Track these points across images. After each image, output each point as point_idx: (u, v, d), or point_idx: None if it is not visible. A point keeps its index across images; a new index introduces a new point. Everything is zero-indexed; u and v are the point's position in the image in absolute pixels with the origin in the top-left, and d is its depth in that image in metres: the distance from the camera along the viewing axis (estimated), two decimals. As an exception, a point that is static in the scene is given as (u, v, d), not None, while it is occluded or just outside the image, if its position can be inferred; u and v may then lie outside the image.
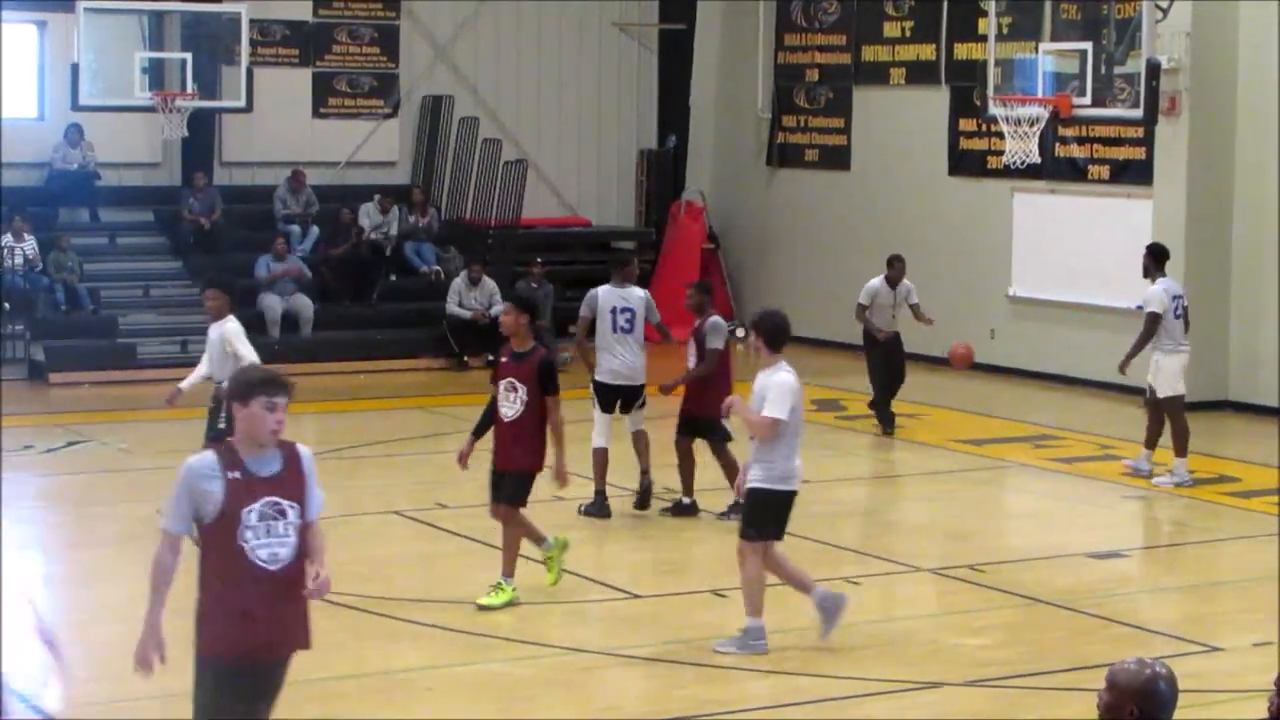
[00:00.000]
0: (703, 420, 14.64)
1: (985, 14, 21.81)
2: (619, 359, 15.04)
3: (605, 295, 15.15)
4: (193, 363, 14.56)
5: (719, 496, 14.86)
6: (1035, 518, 16.22)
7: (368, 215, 24.84)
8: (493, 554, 12.29)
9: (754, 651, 11.07)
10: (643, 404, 15.22)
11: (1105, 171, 22.30)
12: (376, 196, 25.07)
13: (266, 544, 7.01)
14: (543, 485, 15.77)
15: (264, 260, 23.55)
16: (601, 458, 15.02)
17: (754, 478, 11.10)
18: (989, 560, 13.83)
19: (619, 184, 28.46)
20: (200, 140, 23.83)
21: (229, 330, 14.04)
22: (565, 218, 27.87)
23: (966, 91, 23.37)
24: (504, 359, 12.18)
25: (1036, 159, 19.80)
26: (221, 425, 14.11)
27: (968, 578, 13.26)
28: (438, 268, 25.05)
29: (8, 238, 22.55)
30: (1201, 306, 20.14)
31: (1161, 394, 16.67)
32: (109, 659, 11.21)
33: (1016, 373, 23.09)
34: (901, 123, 24.98)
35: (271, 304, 23.28)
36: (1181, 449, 16.60)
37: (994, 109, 19.75)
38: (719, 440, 14.82)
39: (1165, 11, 19.79)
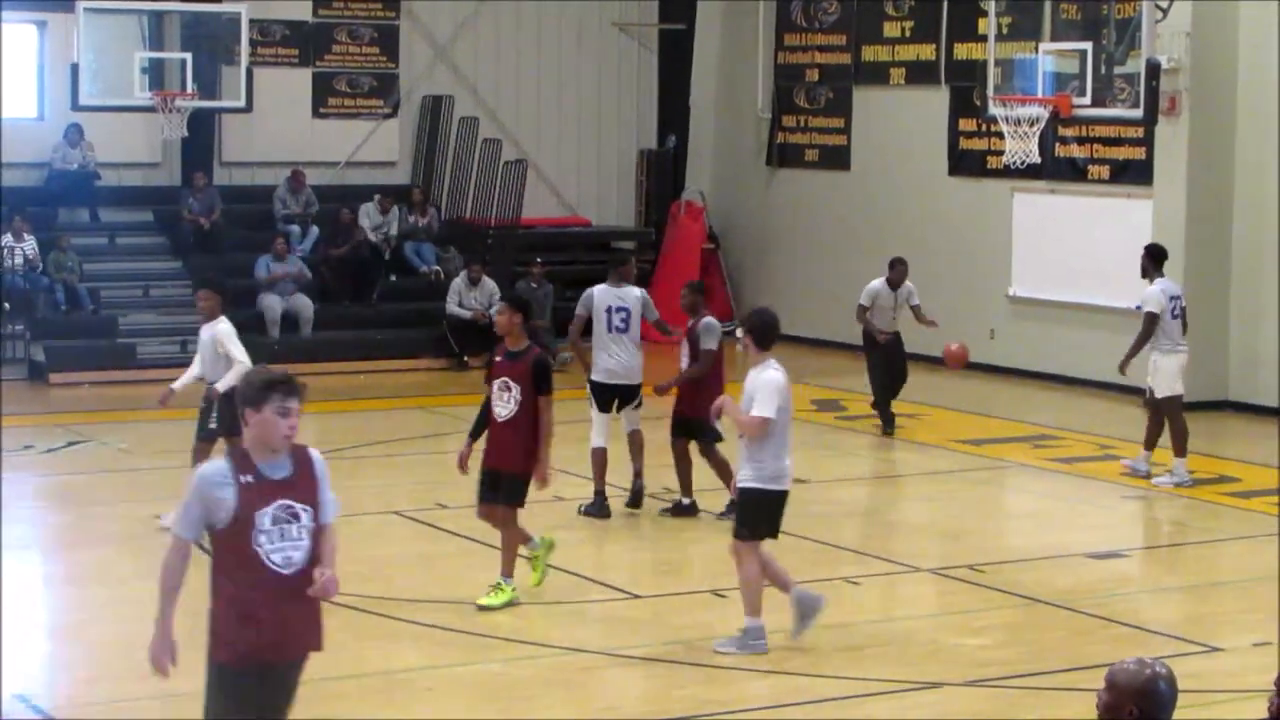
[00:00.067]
0: (695, 421, 14.61)
1: (985, 14, 21.82)
2: (614, 358, 15.04)
3: (601, 294, 15.16)
4: (192, 362, 14.56)
5: (719, 497, 14.86)
6: (1035, 518, 16.22)
7: (368, 216, 24.84)
8: (492, 554, 12.29)
9: (754, 651, 11.07)
10: (639, 404, 15.22)
11: (1105, 171, 22.30)
12: (377, 197, 25.07)
13: (280, 548, 6.98)
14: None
15: (264, 260, 23.54)
16: (600, 458, 15.02)
17: (744, 477, 11.10)
18: (989, 560, 13.83)
19: (619, 184, 28.46)
20: (200, 140, 23.82)
21: (221, 331, 14.04)
22: (565, 218, 27.88)
23: (966, 91, 23.37)
24: (498, 358, 12.15)
25: (1036, 159, 19.80)
26: (212, 425, 14.15)
27: (968, 578, 13.26)
28: (438, 268, 25.05)
29: (8, 238, 22.56)
30: (1201, 306, 20.15)
31: (1159, 394, 16.68)
32: (109, 659, 11.23)
33: (1016, 373, 23.09)
34: (901, 123, 24.99)
35: (271, 304, 23.28)
36: (1180, 449, 16.60)
37: (994, 109, 19.75)
38: (708, 441, 14.79)
39: (1165, 11, 19.79)
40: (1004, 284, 23.51)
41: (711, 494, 15.06)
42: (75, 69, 21.38)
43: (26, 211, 23.03)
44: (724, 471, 14.53)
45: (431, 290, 24.53)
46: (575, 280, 23.26)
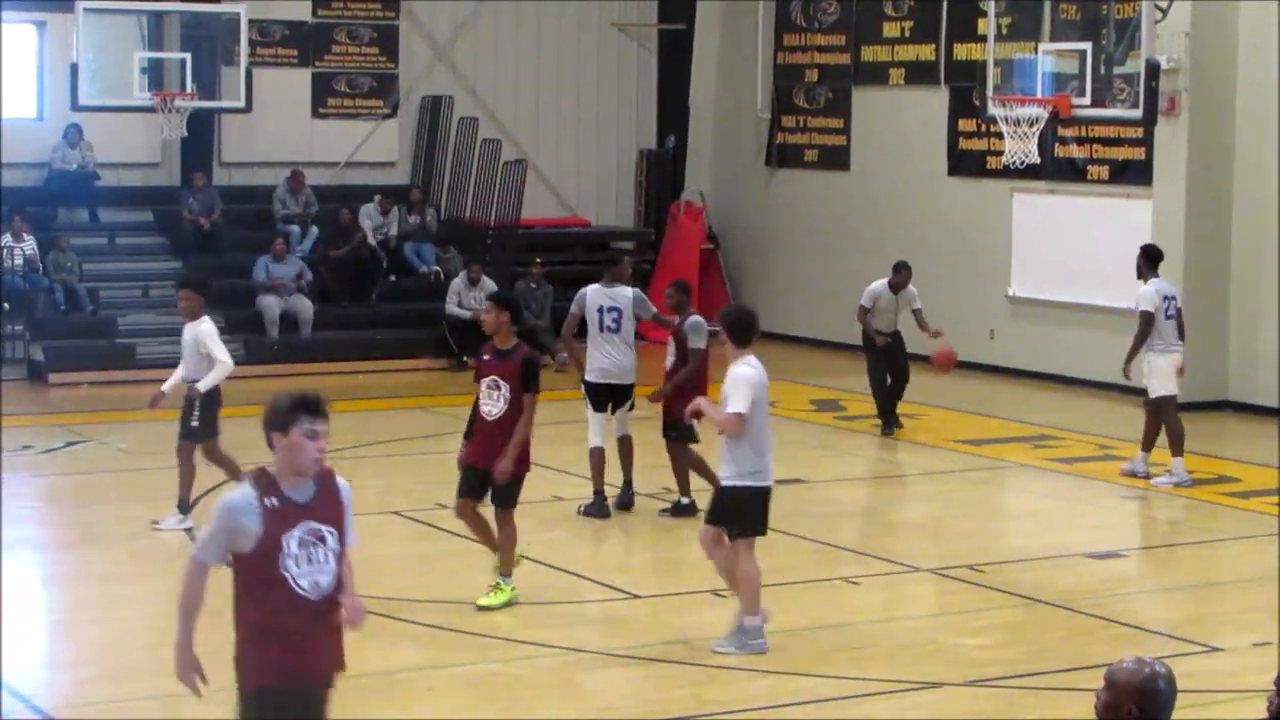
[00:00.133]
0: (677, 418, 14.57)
1: (985, 14, 21.81)
2: (607, 358, 15.05)
3: (594, 294, 15.17)
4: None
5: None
6: (1035, 518, 16.22)
7: (369, 216, 24.83)
8: (491, 554, 12.27)
9: (753, 651, 11.07)
10: (631, 405, 15.21)
11: (1105, 172, 22.29)
12: (377, 197, 25.07)
13: (308, 572, 6.81)
14: (542, 485, 15.82)
15: (263, 261, 23.53)
16: (598, 458, 15.02)
17: (725, 476, 11.11)
18: (989, 560, 13.83)
19: (618, 184, 28.46)
20: (199, 140, 23.82)
21: (203, 331, 14.05)
22: (564, 218, 27.88)
23: (966, 92, 23.36)
24: (486, 357, 12.10)
25: (1036, 159, 19.80)
26: (194, 424, 14.15)
27: (967, 578, 13.26)
28: (437, 268, 25.05)
29: (7, 238, 22.55)
30: (1201, 307, 20.16)
31: (1153, 394, 16.69)
32: (108, 659, 11.23)
33: (1016, 373, 23.09)
34: (901, 123, 24.98)
35: (270, 304, 23.27)
36: (1177, 448, 16.61)
37: (993, 109, 19.75)
38: (676, 439, 14.74)
39: (1165, 12, 19.79)
40: (1003, 284, 23.51)
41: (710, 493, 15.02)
42: (75, 69, 21.39)
43: (26, 212, 23.03)
44: (699, 469, 14.59)
45: (431, 290, 24.53)
46: (575, 280, 23.17)
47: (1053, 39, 20.26)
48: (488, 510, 12.15)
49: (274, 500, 6.80)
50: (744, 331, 11.17)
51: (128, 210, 24.76)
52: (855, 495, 17.23)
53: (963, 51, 23.85)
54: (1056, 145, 22.32)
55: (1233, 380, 20.92)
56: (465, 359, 23.38)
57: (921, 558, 13.94)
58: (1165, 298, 16.66)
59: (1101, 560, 14.02)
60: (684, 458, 14.87)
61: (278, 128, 25.23)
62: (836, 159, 26.06)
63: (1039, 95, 19.50)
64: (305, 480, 6.88)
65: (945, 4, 24.21)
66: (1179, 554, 14.89)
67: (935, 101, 24.35)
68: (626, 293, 15.20)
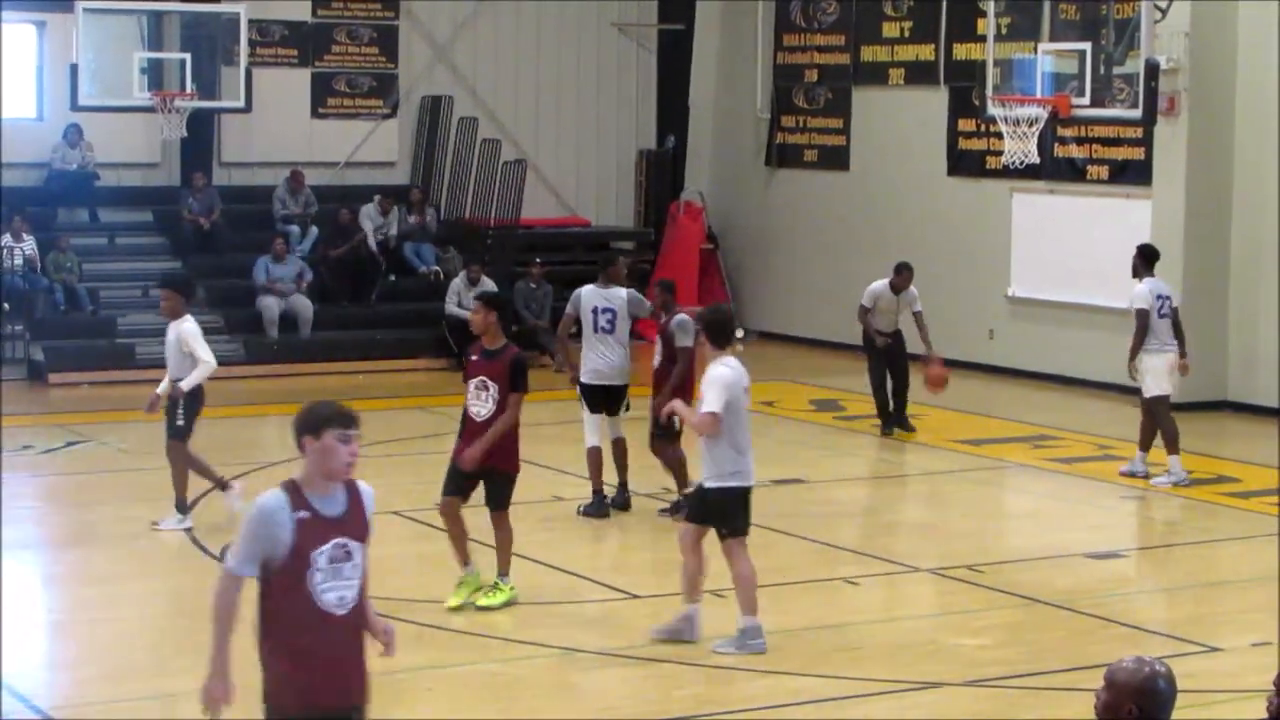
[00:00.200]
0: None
1: (984, 14, 21.82)
2: (601, 359, 15.05)
3: (588, 295, 15.18)
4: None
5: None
6: (1034, 518, 16.22)
7: (369, 217, 24.83)
8: (491, 554, 12.27)
9: (753, 651, 11.08)
10: (627, 407, 15.20)
11: (1104, 172, 22.30)
12: (377, 197, 25.07)
13: (334, 587, 6.64)
14: (542, 485, 15.82)
15: (263, 262, 23.53)
16: (595, 457, 15.02)
17: (706, 477, 11.16)
18: (988, 560, 13.83)
19: (618, 184, 28.46)
20: (199, 140, 23.82)
21: (185, 331, 14.07)
22: (564, 218, 27.88)
23: (965, 92, 23.36)
24: (474, 357, 12.04)
25: (1035, 159, 19.82)
26: (180, 422, 14.16)
27: (967, 578, 13.26)
28: (437, 268, 25.05)
29: (7, 238, 22.56)
30: (1200, 307, 20.17)
31: (1147, 394, 16.71)
32: (108, 659, 11.24)
33: (1015, 373, 23.10)
34: (901, 123, 24.99)
35: (269, 304, 23.28)
36: (1173, 447, 16.61)
37: (993, 109, 19.76)
38: (656, 436, 14.75)
39: (1164, 12, 19.80)
40: (1003, 284, 23.52)
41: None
42: (74, 69, 21.39)
43: (26, 212, 23.04)
44: (676, 469, 14.68)
45: (431, 290, 24.53)
46: (574, 280, 23.10)
47: (1052, 39, 20.27)
48: (480, 513, 12.15)
49: (304, 513, 6.63)
50: (722, 333, 11.21)
51: (128, 210, 24.76)
52: (855, 495, 17.23)
53: (962, 51, 23.85)
54: (1056, 145, 22.33)
55: (1232, 380, 20.93)
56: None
57: (921, 558, 13.94)
58: (1159, 297, 16.67)
59: (1101, 560, 14.03)
60: (662, 454, 14.88)
61: (277, 128, 25.23)
62: (836, 159, 26.06)
63: (1038, 95, 19.51)
64: (334, 488, 6.71)
65: (945, 4, 24.21)
66: (1179, 554, 14.89)
67: (935, 101, 24.35)
68: (621, 294, 15.20)
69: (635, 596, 12.75)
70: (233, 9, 22.45)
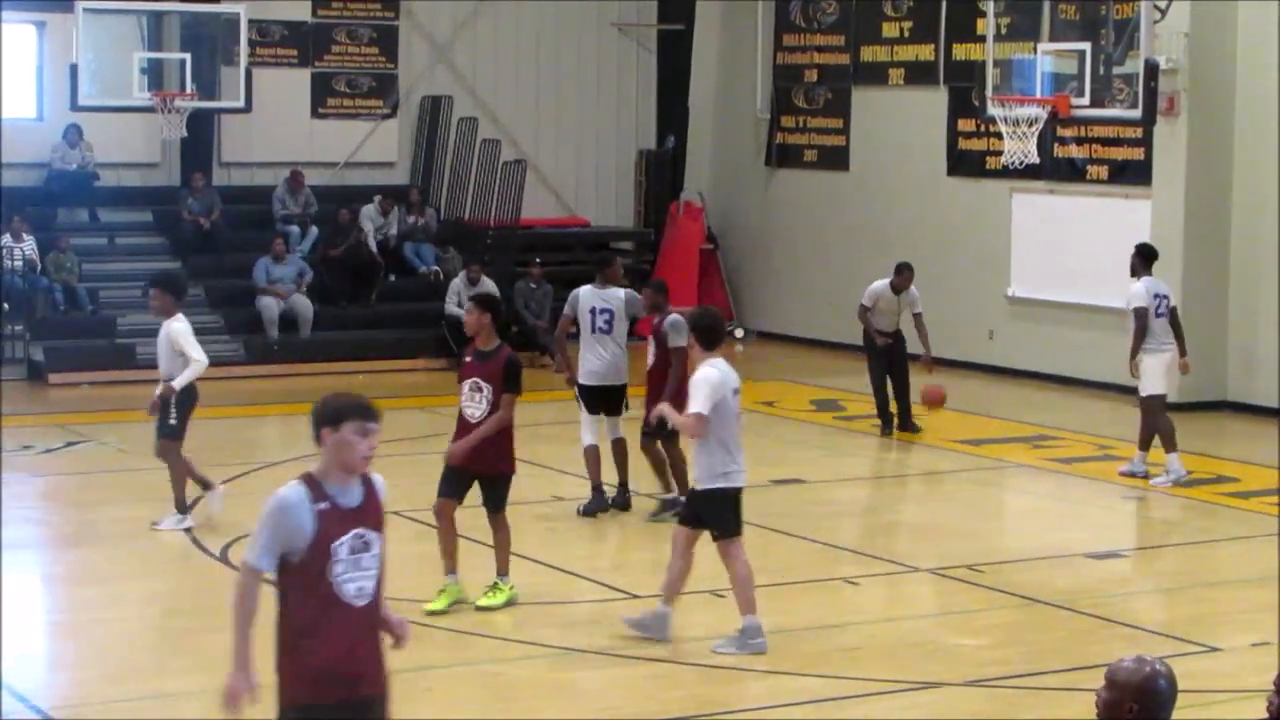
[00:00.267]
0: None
1: (984, 14, 21.81)
2: (599, 359, 15.06)
3: (586, 296, 15.18)
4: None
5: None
6: (1034, 518, 16.23)
7: (369, 218, 24.83)
8: (490, 554, 12.27)
9: (753, 650, 11.08)
10: (626, 406, 15.19)
11: (1104, 172, 22.30)
12: (377, 198, 25.07)
13: (355, 578, 6.63)
14: (542, 485, 15.83)
15: (263, 262, 23.53)
16: (593, 454, 15.03)
17: (697, 478, 11.19)
18: (988, 560, 13.83)
19: (618, 184, 28.46)
20: (199, 140, 23.83)
21: (175, 330, 14.08)
22: (564, 218, 27.88)
23: (965, 92, 23.36)
24: (468, 359, 12.01)
25: (1035, 159, 19.82)
26: (173, 422, 14.16)
27: (967, 578, 13.26)
28: (437, 268, 25.05)
29: (7, 238, 22.56)
30: (1200, 307, 20.18)
31: (1143, 392, 16.72)
32: (108, 659, 11.24)
33: (1015, 373, 23.10)
34: (900, 123, 24.99)
35: (269, 304, 23.28)
36: (1170, 445, 16.61)
37: (993, 109, 19.76)
38: (652, 434, 14.77)
39: (1164, 12, 19.81)
40: (1003, 284, 23.52)
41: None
42: (74, 69, 21.38)
43: (26, 212, 23.04)
44: (660, 469, 14.72)
45: (430, 291, 24.53)
46: (574, 280, 23.08)
47: (1052, 39, 20.27)
48: (480, 513, 12.14)
49: (324, 504, 6.61)
50: (711, 335, 11.22)
51: (127, 210, 24.76)
52: (855, 495, 17.23)
53: (962, 51, 23.86)
54: (1056, 145, 22.33)
55: (1231, 380, 20.93)
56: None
57: (921, 558, 13.94)
58: (1156, 296, 16.69)
59: (1101, 560, 14.03)
60: (657, 454, 14.89)
61: (277, 128, 25.24)
62: (836, 159, 26.06)
63: (1038, 95, 19.51)
64: (351, 481, 6.70)
65: (944, 4, 24.21)
66: (1178, 554, 14.89)
67: (934, 102, 24.36)
68: (619, 294, 15.21)
69: (635, 596, 12.73)
70: (233, 9, 22.45)
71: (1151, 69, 19.10)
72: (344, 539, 6.61)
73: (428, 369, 23.63)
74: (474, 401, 11.81)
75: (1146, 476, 16.75)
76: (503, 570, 12.11)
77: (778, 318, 26.95)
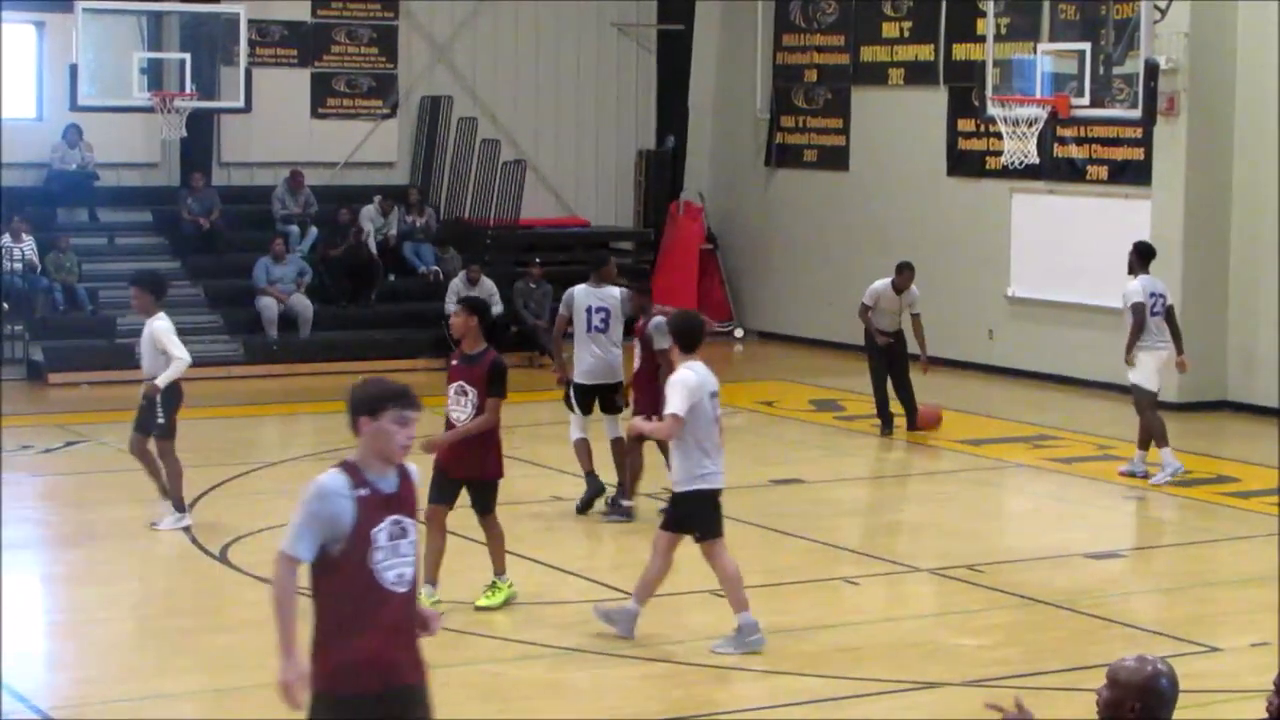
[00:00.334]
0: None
1: (984, 14, 21.81)
2: (594, 358, 15.07)
3: (581, 295, 15.19)
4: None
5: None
6: (1034, 518, 16.22)
7: (369, 219, 24.82)
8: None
9: (752, 648, 11.08)
10: (622, 405, 15.19)
11: (1103, 172, 22.30)
12: (377, 198, 25.07)
13: (394, 565, 6.55)
14: (541, 485, 15.83)
15: (263, 262, 23.54)
16: (583, 445, 15.05)
17: (675, 481, 11.21)
18: (988, 560, 13.83)
19: (618, 184, 28.46)
20: (199, 141, 23.82)
21: (157, 329, 14.06)
22: (564, 218, 27.88)
23: (965, 92, 23.36)
24: (454, 362, 11.95)
25: (1035, 159, 19.81)
26: (161, 420, 14.13)
27: (967, 578, 13.26)
28: (436, 268, 25.05)
29: (6, 238, 22.56)
30: (1200, 307, 20.18)
31: (1131, 379, 16.74)
32: (108, 659, 11.24)
33: (1015, 373, 23.10)
34: (900, 123, 24.98)
35: (268, 304, 23.28)
36: (1162, 441, 16.63)
37: (992, 109, 19.75)
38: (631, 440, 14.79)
39: (1163, 12, 19.80)
40: (1003, 284, 23.51)
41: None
42: (74, 69, 21.36)
43: (25, 212, 23.04)
44: (633, 473, 14.77)
45: (430, 291, 24.53)
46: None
47: (1051, 39, 20.27)
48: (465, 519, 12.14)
49: (364, 491, 6.56)
50: (690, 338, 11.24)
51: (127, 210, 24.76)
52: (855, 495, 17.23)
53: (962, 52, 23.85)
54: (1055, 145, 22.33)
55: (1231, 380, 20.93)
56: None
57: (921, 558, 13.94)
58: (1152, 294, 16.71)
59: (1101, 560, 14.03)
60: (635, 460, 14.90)
61: (277, 128, 25.23)
62: (836, 159, 26.06)
63: (1038, 95, 19.50)
64: (389, 469, 6.67)
65: (944, 4, 24.21)
66: (1178, 554, 14.89)
67: (934, 102, 24.35)
68: (614, 292, 15.22)
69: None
70: (232, 9, 22.44)
71: (1151, 69, 19.09)
72: (383, 525, 6.56)
73: (427, 369, 23.55)
74: (459, 405, 11.75)
75: (1146, 476, 16.75)
76: (499, 569, 12.10)
77: (777, 318, 26.95)
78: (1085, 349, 22.01)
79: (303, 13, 25.89)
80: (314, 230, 24.74)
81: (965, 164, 24.04)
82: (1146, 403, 16.71)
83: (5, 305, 22.31)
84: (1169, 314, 16.83)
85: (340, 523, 6.49)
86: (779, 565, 13.55)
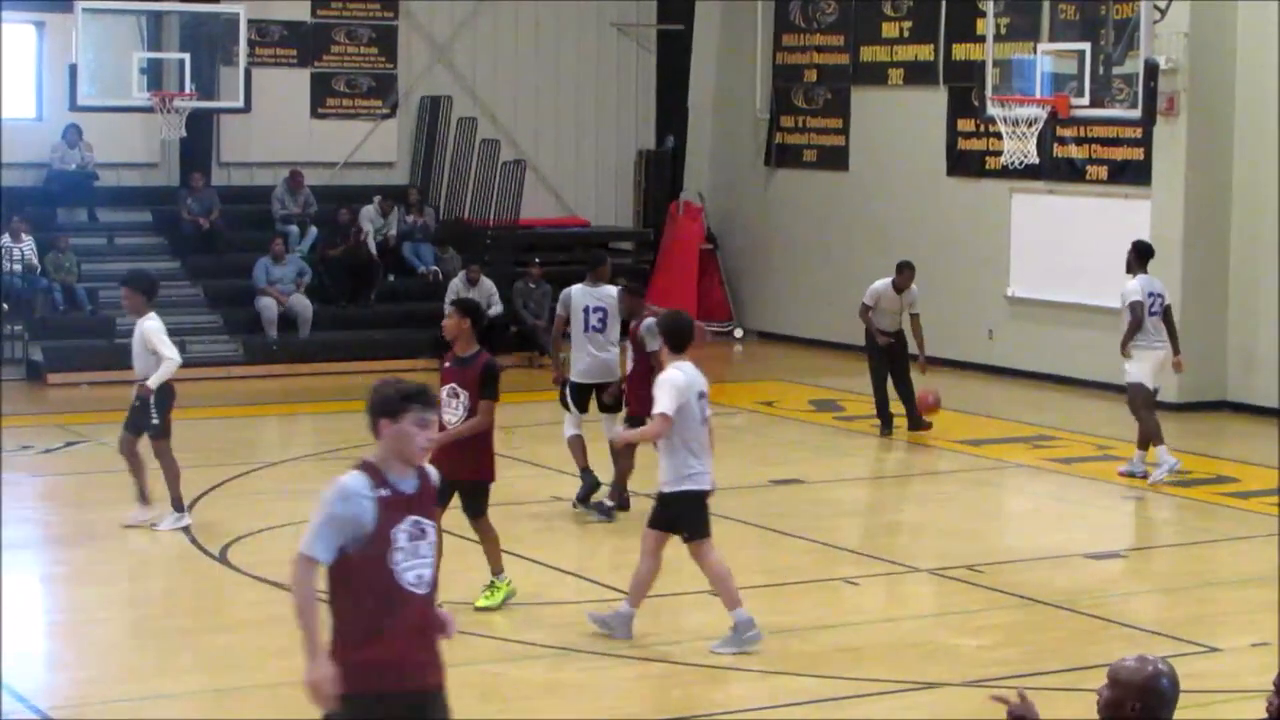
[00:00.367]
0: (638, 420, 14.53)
1: (983, 14, 21.81)
2: (591, 357, 15.09)
3: (578, 295, 15.21)
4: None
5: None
6: (1033, 518, 16.22)
7: (369, 219, 24.82)
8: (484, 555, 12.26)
9: (751, 644, 11.07)
10: (624, 405, 15.18)
11: (1103, 172, 22.30)
12: (377, 199, 25.06)
13: (414, 566, 6.57)
14: (541, 485, 15.83)
15: (263, 262, 23.54)
16: (577, 442, 15.06)
17: (663, 482, 11.20)
18: (988, 560, 13.83)
19: (617, 184, 28.46)
20: (198, 141, 23.82)
21: (148, 329, 14.06)
22: (563, 218, 27.87)
23: (965, 92, 23.36)
24: (447, 364, 11.91)
25: (1035, 159, 19.82)
26: (155, 420, 14.11)
27: (966, 578, 13.26)
28: (436, 268, 25.05)
29: (6, 238, 22.55)
30: (1199, 307, 20.18)
31: (1127, 379, 16.75)
32: (107, 659, 11.24)
33: (1015, 373, 23.09)
34: (900, 123, 24.98)
35: (268, 304, 23.27)
36: (1157, 439, 16.63)
37: (992, 109, 19.76)
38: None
39: (1163, 12, 19.80)
40: (1002, 284, 23.51)
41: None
42: (74, 69, 21.37)
43: (25, 212, 23.03)
44: (621, 475, 14.78)
45: (430, 291, 24.52)
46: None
47: (1051, 39, 20.27)
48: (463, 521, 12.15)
49: (385, 491, 6.56)
50: (679, 338, 11.24)
51: (126, 210, 24.75)
52: (855, 495, 17.23)
53: (961, 52, 23.86)
54: (1055, 145, 22.33)
55: (1231, 380, 20.93)
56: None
57: (921, 558, 13.94)
58: (1151, 294, 16.71)
59: (1101, 560, 14.03)
60: (625, 462, 14.91)
61: (277, 128, 25.23)
62: (835, 159, 26.06)
63: (1038, 95, 19.51)
64: (408, 470, 6.66)
65: (944, 4, 24.21)
66: (1178, 554, 14.89)
67: (934, 102, 24.35)
68: (611, 292, 15.24)
69: (635, 596, 12.74)
70: (232, 9, 22.44)
71: (1151, 69, 19.09)
72: (403, 525, 6.57)
73: (427, 369, 23.49)
74: (451, 407, 11.72)
75: (1145, 476, 16.75)
76: (497, 569, 12.10)
77: (777, 318, 26.95)
78: (1085, 349, 22.01)
79: (302, 13, 25.89)
80: (314, 230, 24.74)
81: (965, 164, 24.05)
82: (1142, 401, 16.72)
83: (5, 305, 22.30)
84: (1166, 314, 16.84)
85: (361, 523, 6.50)
86: (779, 565, 13.56)
